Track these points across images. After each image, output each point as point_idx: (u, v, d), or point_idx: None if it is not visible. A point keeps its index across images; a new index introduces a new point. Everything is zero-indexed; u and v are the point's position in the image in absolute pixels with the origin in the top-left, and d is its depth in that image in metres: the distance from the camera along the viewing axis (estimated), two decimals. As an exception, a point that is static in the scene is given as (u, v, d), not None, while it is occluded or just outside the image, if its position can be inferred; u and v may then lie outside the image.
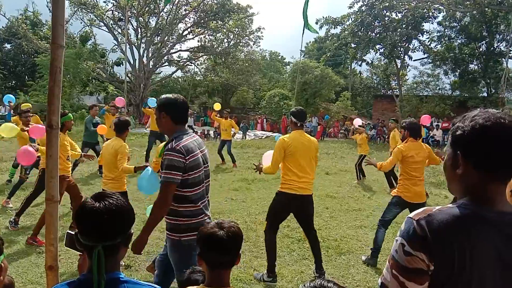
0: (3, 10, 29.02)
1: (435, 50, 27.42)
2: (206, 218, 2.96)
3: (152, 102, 11.66)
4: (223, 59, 34.85)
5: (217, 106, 13.42)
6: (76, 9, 29.83)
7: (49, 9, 30.17)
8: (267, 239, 4.44)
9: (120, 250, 1.46)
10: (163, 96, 3.05)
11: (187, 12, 32.26)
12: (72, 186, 5.64)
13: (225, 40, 35.34)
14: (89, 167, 10.49)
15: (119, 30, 31.90)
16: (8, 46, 40.20)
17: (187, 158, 2.77)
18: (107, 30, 31.65)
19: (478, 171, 1.22)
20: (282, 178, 4.42)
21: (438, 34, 27.91)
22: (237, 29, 32.97)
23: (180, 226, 2.87)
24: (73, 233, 1.80)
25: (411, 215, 1.24)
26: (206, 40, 34.60)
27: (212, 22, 32.34)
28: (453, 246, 1.15)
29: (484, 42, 27.02)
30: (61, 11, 2.17)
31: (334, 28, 28.13)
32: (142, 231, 2.85)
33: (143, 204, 6.95)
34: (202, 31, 33.45)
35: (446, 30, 27.80)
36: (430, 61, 28.33)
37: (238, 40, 34.61)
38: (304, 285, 1.32)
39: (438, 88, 29.31)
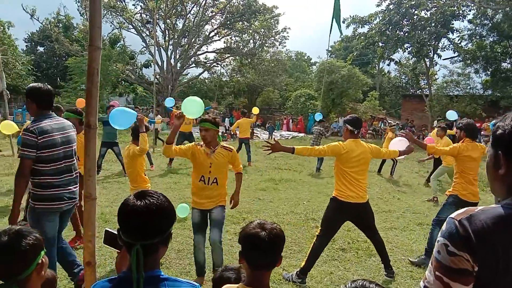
0: (37, 15, 29.93)
1: (465, 48, 26.69)
2: (64, 192, 3.42)
3: (169, 102, 12.05)
4: (249, 60, 34.95)
5: (255, 110, 14.03)
6: (106, 12, 30.50)
7: (80, 13, 31.12)
8: (316, 244, 4.38)
9: (160, 249, 1.47)
10: (30, 85, 3.44)
11: (214, 13, 32.51)
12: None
13: (251, 41, 35.42)
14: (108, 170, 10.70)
15: (147, 32, 32.45)
16: (41, 49, 41.54)
17: (39, 138, 3.22)
18: (135, 32, 32.25)
19: None
20: (336, 184, 4.40)
21: (468, 32, 27.17)
22: (263, 30, 32.98)
23: (35, 195, 3.33)
24: (111, 230, 1.84)
25: (453, 215, 1.21)
26: (232, 41, 34.78)
27: (238, 23, 32.46)
28: (497, 246, 1.12)
29: (517, 39, 26.16)
30: (98, 14, 2.22)
31: (361, 27, 27.79)
32: (12, 202, 3.25)
33: (174, 204, 7.02)
34: (228, 32, 33.64)
35: (477, 28, 27.00)
36: (461, 59, 27.61)
37: (264, 41, 34.63)
38: (346, 286, 1.30)
39: (469, 87, 28.56)
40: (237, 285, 1.84)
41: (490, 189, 1.35)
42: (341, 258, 5.10)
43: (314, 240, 4.44)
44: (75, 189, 3.57)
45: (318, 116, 13.05)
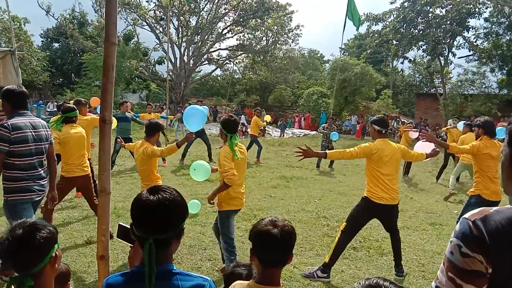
0: (52, 11, 30.26)
1: (481, 47, 26.27)
2: (34, 184, 3.68)
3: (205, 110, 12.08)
4: (261, 57, 34.87)
5: (267, 118, 14.13)
6: (120, 9, 30.69)
7: (94, 10, 31.31)
8: (341, 239, 4.39)
9: (172, 244, 1.48)
10: (5, 87, 3.68)
11: (227, 11, 32.48)
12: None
13: (264, 38, 35.33)
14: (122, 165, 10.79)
15: (161, 29, 32.56)
16: (56, 45, 42.03)
17: (12, 133, 3.46)
18: (149, 29, 32.39)
19: None
20: (368, 185, 4.38)
21: (484, 30, 26.73)
22: (276, 27, 32.88)
23: (8, 188, 3.58)
24: (125, 225, 1.86)
25: (467, 215, 1.18)
26: (245, 38, 34.72)
27: (251, 21, 32.39)
28: None
29: (535, 38, 25.68)
30: (114, 10, 2.25)
31: (375, 25, 27.54)
32: None
33: (186, 200, 7.07)
34: (241, 29, 33.59)
35: (493, 26, 26.56)
36: (476, 58, 27.20)
37: (276, 38, 34.52)
38: (359, 283, 1.29)
39: (484, 86, 28.14)
40: (248, 282, 1.84)
41: (504, 189, 1.31)
42: (352, 257, 5.07)
43: (338, 235, 4.45)
44: (44, 182, 3.87)
45: (334, 136, 12.79)
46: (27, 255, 1.52)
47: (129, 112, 10.67)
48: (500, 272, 1.10)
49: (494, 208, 1.18)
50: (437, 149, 4.69)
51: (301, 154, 4.22)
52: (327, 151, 4.35)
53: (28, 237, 1.53)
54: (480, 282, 1.12)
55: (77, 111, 5.35)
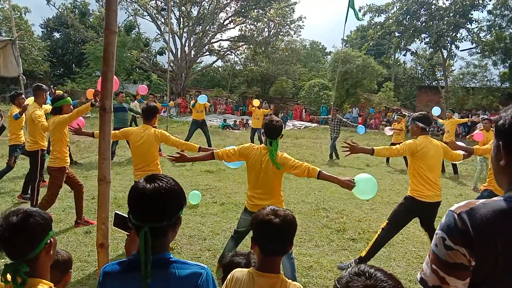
0: (53, 0, 30.10)
1: (484, 40, 26.13)
2: None
3: (203, 99, 12.00)
4: (263, 49, 34.70)
5: (256, 103, 14.03)
6: (121, -1, 30.54)
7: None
8: (380, 236, 4.39)
9: (169, 232, 1.48)
10: None
11: (229, 1, 32.29)
12: (71, 178, 5.43)
13: (266, 30, 35.15)
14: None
15: (162, 20, 32.37)
16: (57, 35, 41.86)
17: None
18: (150, 19, 32.22)
19: None
20: (412, 184, 4.36)
21: (488, 23, 26.56)
22: (278, 18, 32.70)
23: None
24: (121, 213, 1.87)
25: (453, 208, 1.18)
26: (247, 29, 34.55)
27: (253, 11, 32.21)
28: (497, 241, 1.09)
29: (539, 31, 25.52)
30: (114, -2, 2.24)
31: (377, 16, 27.36)
32: None
33: (186, 190, 7.09)
34: (243, 20, 33.39)
35: (496, 19, 26.38)
36: (479, 51, 27.07)
37: (278, 30, 34.34)
38: (347, 272, 1.28)
39: (486, 79, 28.04)
40: (249, 269, 1.86)
41: (495, 181, 1.31)
42: (351, 248, 5.10)
43: (378, 232, 4.45)
44: None
45: (361, 130, 13.09)
46: (21, 242, 1.52)
47: (138, 101, 10.70)
48: (483, 266, 1.10)
49: (481, 200, 1.18)
50: (471, 149, 4.74)
51: (348, 149, 4.20)
52: (375, 148, 4.26)
53: (22, 224, 1.53)
54: (462, 275, 1.13)
55: (64, 100, 5.25)
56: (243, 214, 3.95)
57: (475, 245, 1.09)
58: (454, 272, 1.13)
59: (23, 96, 6.76)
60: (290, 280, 1.82)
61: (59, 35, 41.30)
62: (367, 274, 1.20)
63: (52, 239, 1.63)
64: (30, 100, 6.39)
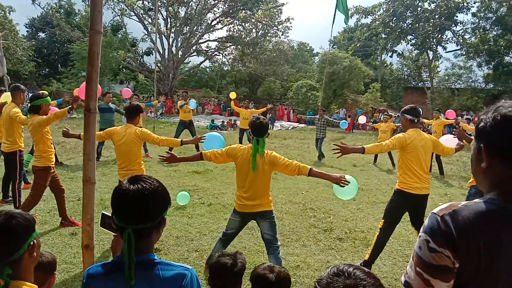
0: (38, 0, 29.72)
1: (469, 42, 26.55)
2: None
3: (193, 104, 12.05)
4: (251, 49, 34.77)
5: (232, 95, 13.93)
6: (108, -2, 30.30)
7: (82, -1, 30.83)
8: (379, 236, 4.40)
9: (153, 234, 1.48)
10: None
11: (216, 1, 32.28)
12: (55, 180, 5.36)
13: (254, 30, 35.21)
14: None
15: (149, 20, 32.24)
16: (42, 34, 41.32)
17: None
18: (137, 19, 32.06)
19: (503, 164, 1.16)
20: (400, 177, 4.38)
21: (472, 25, 27.02)
22: (266, 19, 32.78)
23: None
24: (108, 214, 1.86)
25: (435, 210, 1.19)
26: (235, 30, 34.58)
27: (241, 12, 32.23)
28: (479, 243, 1.10)
29: (521, 33, 26.02)
30: (99, -2, 2.22)
31: (364, 18, 27.64)
32: None
33: (173, 191, 7.08)
34: (231, 21, 33.42)
35: (481, 21, 26.85)
36: (464, 53, 27.49)
37: (266, 30, 34.44)
38: (326, 272, 1.29)
39: (470, 80, 28.51)
40: None
41: (476, 182, 1.32)
42: (338, 248, 5.13)
43: (377, 233, 4.47)
44: None
45: (344, 124, 13.33)
46: (4, 244, 1.50)
47: (122, 101, 10.61)
48: (467, 267, 1.11)
49: (463, 202, 1.18)
50: (462, 144, 4.73)
51: (339, 151, 4.21)
52: (365, 146, 4.28)
53: (4, 226, 1.51)
54: (447, 277, 1.13)
55: (43, 99, 5.18)
56: (232, 215, 3.93)
57: (458, 247, 1.10)
58: (438, 274, 1.13)
59: None
60: None
61: (45, 35, 40.79)
62: (346, 274, 1.21)
63: (35, 240, 1.61)
64: (5, 97, 6.29)
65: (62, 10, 35.07)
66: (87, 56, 2.20)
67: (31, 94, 5.72)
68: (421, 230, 1.19)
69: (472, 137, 4.28)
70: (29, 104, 5.31)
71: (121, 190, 1.45)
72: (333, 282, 1.20)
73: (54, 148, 5.94)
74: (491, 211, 1.13)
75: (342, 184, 3.54)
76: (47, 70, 41.00)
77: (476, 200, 1.19)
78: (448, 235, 1.11)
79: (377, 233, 4.47)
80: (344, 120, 12.11)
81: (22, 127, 5.66)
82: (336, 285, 1.19)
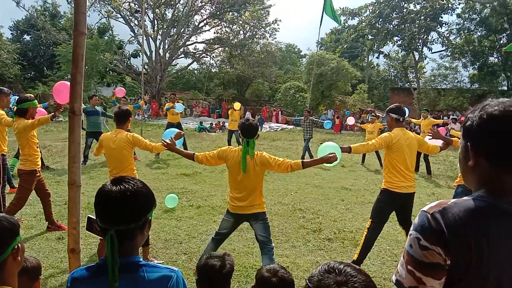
0: (23, 2, 29.36)
1: (453, 42, 26.93)
2: None
3: (180, 107, 11.96)
4: (238, 51, 34.78)
5: (237, 106, 14.13)
6: (93, 0, 30.03)
7: (67, 1, 30.52)
8: (368, 236, 4.39)
9: (137, 236, 1.46)
10: None
11: (203, 3, 32.20)
12: (41, 183, 5.31)
13: (241, 32, 35.27)
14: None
15: (136, 22, 32.03)
16: (27, 37, 40.81)
17: None
18: (124, 22, 31.84)
19: (489, 162, 1.17)
20: (386, 176, 4.39)
21: (457, 26, 27.43)
22: (253, 21, 32.84)
23: None
24: (94, 217, 1.84)
25: (425, 208, 1.19)
26: (222, 32, 34.55)
27: (228, 14, 32.23)
28: (470, 240, 1.10)
29: (504, 34, 26.47)
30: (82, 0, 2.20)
31: (351, 19, 27.84)
32: None
33: (161, 194, 7.04)
34: (218, 23, 33.39)
35: (465, 22, 27.26)
36: (449, 54, 27.86)
37: (254, 32, 34.51)
38: (317, 270, 1.29)
39: (456, 81, 28.92)
40: None
41: (463, 181, 1.33)
42: (327, 248, 5.14)
43: (365, 233, 4.47)
44: None
45: (328, 125, 13.65)
46: None
47: (112, 103, 10.49)
48: (458, 264, 1.12)
49: (452, 200, 1.19)
50: (447, 142, 4.75)
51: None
52: (352, 146, 4.30)
53: None
54: (439, 275, 1.14)
55: (31, 102, 5.11)
56: (225, 216, 3.94)
57: (449, 244, 1.11)
58: (430, 272, 1.13)
59: None
60: None
61: (30, 37, 40.29)
62: (337, 271, 1.21)
63: (20, 244, 1.58)
64: None
65: (47, 13, 34.66)
66: (72, 57, 2.18)
67: (17, 97, 5.61)
68: (411, 228, 1.19)
69: (453, 138, 4.29)
70: (15, 108, 5.23)
71: (104, 191, 1.44)
72: (324, 279, 1.20)
73: (40, 152, 5.85)
74: (480, 208, 1.14)
75: (333, 160, 3.66)
76: (32, 73, 40.46)
77: (465, 198, 1.20)
78: (439, 233, 1.12)
79: (365, 233, 4.48)
80: (327, 121, 12.17)
81: (7, 129, 5.56)
82: (327, 282, 1.19)
